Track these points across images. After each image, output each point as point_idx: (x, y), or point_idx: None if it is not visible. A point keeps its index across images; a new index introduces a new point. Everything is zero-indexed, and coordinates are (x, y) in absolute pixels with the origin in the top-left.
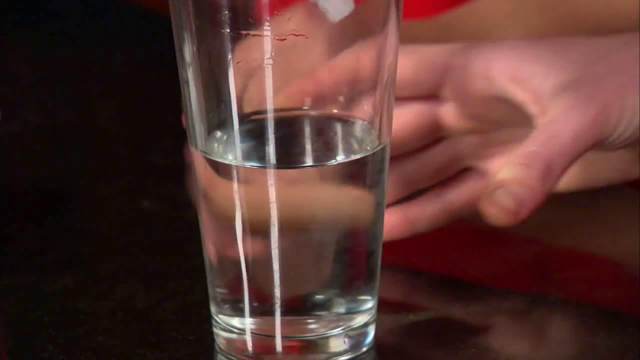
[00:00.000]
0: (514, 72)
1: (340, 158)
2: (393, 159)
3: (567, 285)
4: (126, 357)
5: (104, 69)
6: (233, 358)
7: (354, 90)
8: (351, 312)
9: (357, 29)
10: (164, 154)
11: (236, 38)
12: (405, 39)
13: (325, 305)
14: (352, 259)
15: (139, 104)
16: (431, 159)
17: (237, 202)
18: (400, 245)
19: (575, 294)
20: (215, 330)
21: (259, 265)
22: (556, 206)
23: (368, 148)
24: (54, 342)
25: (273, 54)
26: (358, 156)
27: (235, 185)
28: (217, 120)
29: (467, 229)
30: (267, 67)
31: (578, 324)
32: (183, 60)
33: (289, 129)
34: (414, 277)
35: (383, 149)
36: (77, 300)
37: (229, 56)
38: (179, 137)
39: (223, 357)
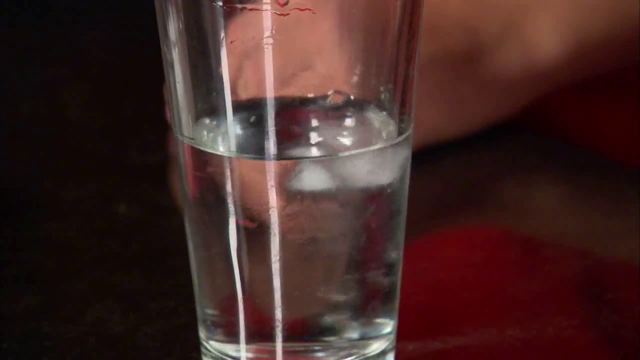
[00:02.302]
0: None
1: (352, 150)
2: None
3: (622, 307)
4: None
5: (72, 49)
6: None
7: (369, 71)
8: (366, 338)
9: (371, 1)
10: (143, 150)
11: (230, 12)
12: (430, 14)
13: (335, 330)
14: (367, 274)
15: (114, 91)
16: None
17: (231, 207)
18: (424, 258)
19: (632, 317)
20: (205, 359)
21: (257, 282)
22: (609, 215)
23: (385, 138)
24: None
25: (273, 31)
26: (373, 148)
27: (228, 185)
28: (207, 108)
29: (504, 239)
30: (266, 48)
31: (636, 354)
32: (167, 39)
33: (291, 116)
34: (441, 296)
35: (404, 141)
36: (41, 324)
37: (222, 34)
38: (161, 130)
39: None
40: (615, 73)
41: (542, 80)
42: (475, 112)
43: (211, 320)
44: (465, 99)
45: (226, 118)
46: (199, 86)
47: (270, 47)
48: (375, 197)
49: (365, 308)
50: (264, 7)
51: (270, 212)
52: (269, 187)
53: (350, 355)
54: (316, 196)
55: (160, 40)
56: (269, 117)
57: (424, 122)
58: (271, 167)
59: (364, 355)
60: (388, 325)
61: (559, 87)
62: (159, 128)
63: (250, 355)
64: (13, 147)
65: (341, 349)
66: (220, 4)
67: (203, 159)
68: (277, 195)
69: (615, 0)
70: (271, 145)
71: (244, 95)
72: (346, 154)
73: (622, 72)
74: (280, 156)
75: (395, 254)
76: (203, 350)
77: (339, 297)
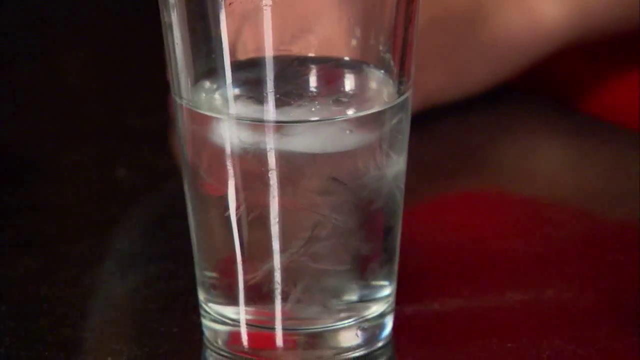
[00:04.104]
0: None
1: (351, 112)
2: None
3: (622, 269)
4: (99, 354)
5: (70, 12)
6: (225, 354)
7: (368, 33)
8: (365, 300)
9: None
10: (142, 114)
11: None
12: None
13: (334, 292)
14: (366, 236)
15: (112, 54)
16: None
17: (230, 170)
18: (423, 221)
19: (632, 279)
20: (204, 321)
21: (256, 245)
22: (608, 177)
23: (386, 100)
24: (13, 335)
25: None
26: (372, 110)
27: (227, 148)
28: (206, 71)
29: (504, 202)
30: (265, 9)
31: (635, 315)
32: (166, 1)
33: (290, 78)
34: (440, 259)
35: (404, 103)
36: (40, 286)
37: None
38: (161, 93)
39: (213, 354)
40: (622, 37)
41: (544, 43)
42: (476, 75)
43: (210, 283)
44: (466, 62)
45: (225, 80)
46: (198, 49)
47: (269, 8)
48: (374, 159)
49: (364, 271)
50: None
51: (270, 174)
52: (267, 149)
53: (349, 317)
54: (315, 159)
55: (159, 2)
56: (267, 79)
57: (424, 85)
58: (270, 130)
59: (363, 317)
60: (387, 288)
61: (561, 49)
62: (158, 92)
63: (249, 317)
64: (12, 111)
65: (340, 311)
66: None
67: (202, 122)
68: (275, 157)
69: None
70: (270, 108)
71: (242, 57)
72: (345, 116)
73: (628, 36)
74: (279, 119)
75: (394, 216)
76: (202, 312)
77: (338, 260)
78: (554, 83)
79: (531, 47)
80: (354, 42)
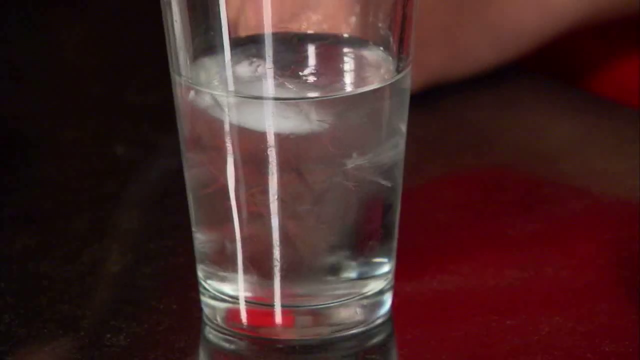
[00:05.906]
0: None
1: (350, 89)
2: None
3: (621, 246)
4: (98, 330)
5: None
6: (224, 331)
7: (367, 9)
8: (364, 278)
9: None
10: (141, 90)
11: None
12: None
13: (333, 269)
14: (365, 213)
15: (111, 30)
16: None
17: (229, 146)
18: (422, 199)
19: (631, 257)
20: (203, 298)
21: (255, 221)
22: (608, 155)
23: (385, 77)
24: (12, 312)
25: None
26: (372, 87)
27: (226, 125)
28: (205, 47)
29: (504, 179)
30: None
31: (634, 292)
32: None
33: (289, 55)
34: (439, 236)
35: (403, 79)
36: (39, 263)
37: None
38: (159, 70)
39: (212, 331)
40: (631, 18)
41: (553, 24)
42: (481, 55)
43: (209, 260)
44: (471, 42)
45: (224, 57)
46: (197, 25)
47: None
48: (373, 136)
49: (363, 248)
50: None
51: (269, 152)
52: (267, 127)
53: (348, 294)
54: (314, 135)
55: None
56: (267, 56)
57: (427, 64)
58: (269, 107)
59: (362, 294)
60: (386, 265)
61: (570, 31)
62: (157, 68)
63: (248, 294)
64: (11, 87)
65: (339, 288)
66: None
67: (200, 99)
68: (274, 134)
69: None
70: (269, 85)
71: (242, 34)
72: (344, 93)
73: (636, 17)
74: (277, 95)
75: (394, 193)
76: (201, 289)
77: (338, 237)
78: (562, 63)
79: (539, 29)
80: (353, 19)
